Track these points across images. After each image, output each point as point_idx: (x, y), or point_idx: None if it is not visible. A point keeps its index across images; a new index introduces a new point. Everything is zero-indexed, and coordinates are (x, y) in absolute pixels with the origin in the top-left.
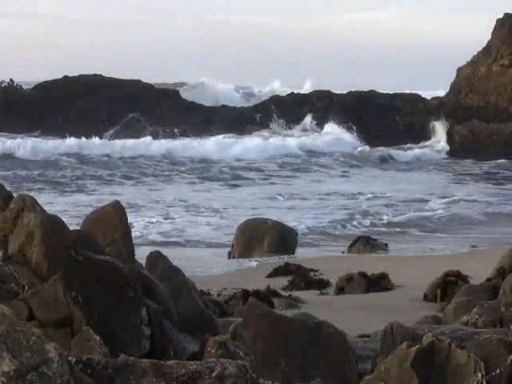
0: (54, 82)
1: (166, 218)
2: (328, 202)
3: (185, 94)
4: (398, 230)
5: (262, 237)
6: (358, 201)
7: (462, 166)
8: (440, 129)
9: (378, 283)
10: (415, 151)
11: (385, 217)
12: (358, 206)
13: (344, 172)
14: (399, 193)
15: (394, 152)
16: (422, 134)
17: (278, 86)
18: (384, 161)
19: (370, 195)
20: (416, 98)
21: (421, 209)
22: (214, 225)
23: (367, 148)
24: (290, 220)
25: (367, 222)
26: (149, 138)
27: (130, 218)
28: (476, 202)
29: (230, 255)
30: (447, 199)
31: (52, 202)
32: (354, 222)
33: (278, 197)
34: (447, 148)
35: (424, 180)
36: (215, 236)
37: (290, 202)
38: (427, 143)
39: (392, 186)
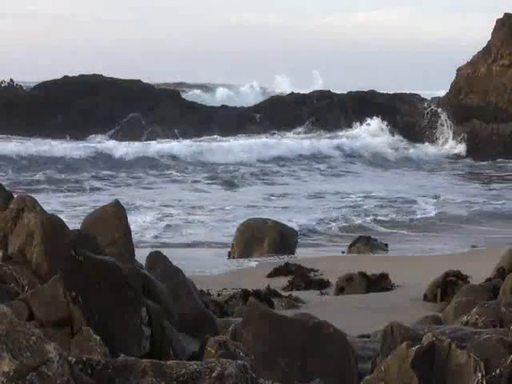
0: (54, 82)
1: (166, 218)
2: (329, 201)
3: (209, 96)
4: (396, 230)
5: (262, 237)
6: (358, 201)
7: (462, 166)
8: (445, 129)
9: (378, 283)
10: (416, 151)
11: (384, 217)
12: (357, 206)
13: (344, 171)
14: (398, 193)
15: (398, 152)
16: (421, 134)
17: (287, 85)
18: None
19: (365, 194)
20: (416, 98)
21: (419, 209)
22: (213, 225)
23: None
24: (289, 220)
25: (367, 221)
26: (150, 142)
27: (130, 218)
28: (474, 202)
29: (230, 255)
30: (445, 199)
31: (52, 202)
32: (354, 222)
33: (276, 198)
34: (455, 147)
35: (423, 180)
36: (215, 236)
37: (291, 201)
38: (428, 143)
39: (392, 186)
